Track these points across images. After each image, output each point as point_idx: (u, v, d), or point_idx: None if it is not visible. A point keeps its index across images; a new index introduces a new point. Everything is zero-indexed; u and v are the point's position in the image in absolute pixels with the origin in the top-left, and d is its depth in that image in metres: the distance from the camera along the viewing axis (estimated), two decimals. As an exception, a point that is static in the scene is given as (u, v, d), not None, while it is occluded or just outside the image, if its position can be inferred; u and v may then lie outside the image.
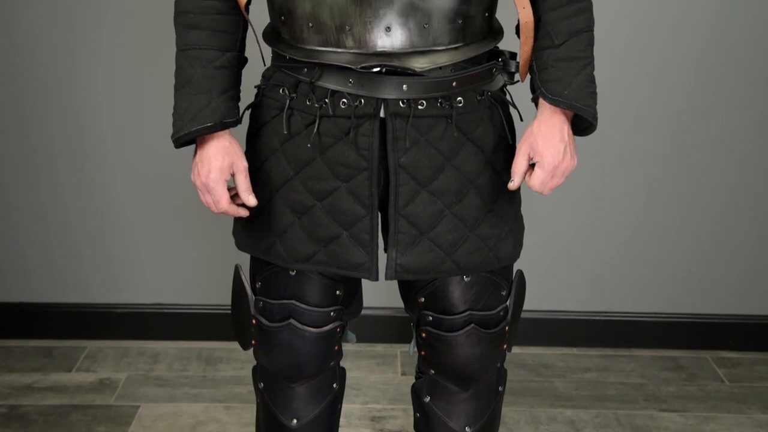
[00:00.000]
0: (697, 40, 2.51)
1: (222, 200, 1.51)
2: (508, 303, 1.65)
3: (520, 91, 1.66)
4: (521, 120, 1.63)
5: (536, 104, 1.53)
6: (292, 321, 1.60)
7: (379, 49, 1.42)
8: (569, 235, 2.71)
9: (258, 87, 1.60)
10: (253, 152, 1.58)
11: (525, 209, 1.69)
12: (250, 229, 1.61)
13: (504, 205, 1.58)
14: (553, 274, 2.74)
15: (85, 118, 2.59)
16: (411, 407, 1.88)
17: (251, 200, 1.53)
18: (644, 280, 2.76)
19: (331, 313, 1.62)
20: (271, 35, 1.55)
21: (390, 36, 1.41)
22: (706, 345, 2.80)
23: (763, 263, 2.74)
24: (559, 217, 2.67)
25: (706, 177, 2.64)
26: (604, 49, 2.30)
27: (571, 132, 1.51)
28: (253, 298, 1.65)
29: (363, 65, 1.42)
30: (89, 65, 2.53)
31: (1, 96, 2.56)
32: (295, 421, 1.68)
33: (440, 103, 1.47)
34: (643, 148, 2.61)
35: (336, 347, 1.67)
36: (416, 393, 1.74)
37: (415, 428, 1.77)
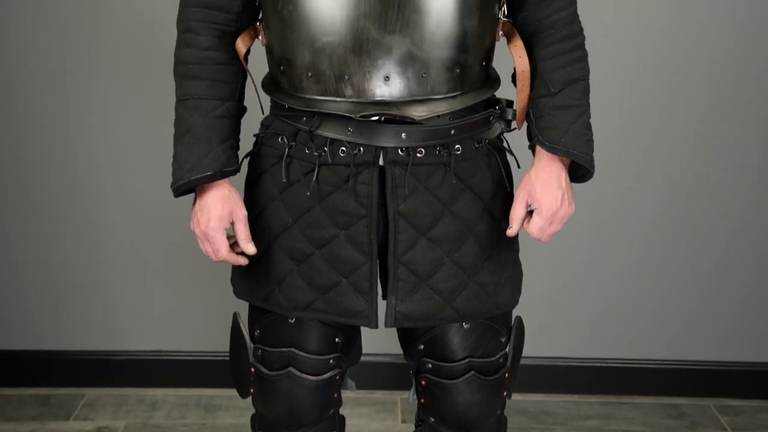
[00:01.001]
0: (701, 93, 2.52)
1: (221, 249, 1.51)
2: (507, 349, 1.64)
3: (517, 139, 1.67)
4: (518, 167, 1.64)
5: (533, 151, 1.54)
6: (291, 369, 1.59)
7: (377, 98, 1.43)
8: (568, 281, 2.71)
9: (257, 135, 1.61)
10: (251, 200, 1.59)
11: (523, 256, 1.69)
12: (248, 277, 1.61)
13: (503, 251, 1.59)
14: (554, 320, 2.74)
15: (84, 167, 2.60)
16: (411, 456, 1.86)
17: (250, 249, 1.53)
18: (645, 327, 2.75)
19: (331, 361, 1.62)
20: (270, 84, 1.56)
21: (389, 85, 1.43)
22: (709, 392, 2.78)
23: (766, 310, 2.73)
24: (558, 264, 2.67)
25: (707, 222, 2.65)
26: (608, 98, 2.33)
27: (568, 179, 1.52)
28: (252, 346, 1.64)
29: (362, 114, 1.43)
30: (87, 113, 2.55)
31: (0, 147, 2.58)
32: (294, 469, 1.66)
33: (439, 150, 1.48)
34: (641, 193, 2.62)
35: (335, 395, 1.66)
36: (416, 441, 1.73)
37: (415, 477, 1.76)
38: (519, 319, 1.68)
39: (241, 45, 1.52)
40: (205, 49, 1.49)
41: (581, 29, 1.53)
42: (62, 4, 2.45)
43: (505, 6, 1.54)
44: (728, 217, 2.64)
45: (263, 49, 1.56)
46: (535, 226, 1.49)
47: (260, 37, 1.54)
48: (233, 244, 1.55)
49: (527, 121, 1.55)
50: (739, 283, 2.71)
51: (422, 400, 1.67)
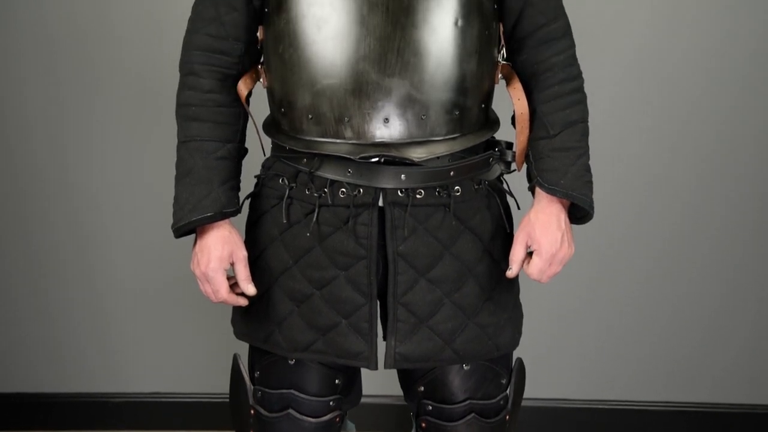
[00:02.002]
0: (703, 138, 2.53)
1: (221, 289, 1.51)
2: (508, 391, 1.64)
3: (517, 180, 1.68)
4: (518, 208, 1.64)
5: (533, 193, 1.54)
6: (291, 411, 1.58)
7: (377, 140, 1.44)
8: (568, 322, 2.69)
9: (258, 177, 1.62)
10: (252, 241, 1.59)
11: (523, 297, 1.69)
12: (248, 318, 1.61)
13: (503, 292, 1.58)
14: (553, 362, 2.72)
15: (85, 207, 2.60)
16: (411, 499, 1.84)
17: (250, 289, 1.53)
18: (644, 368, 2.73)
19: (331, 403, 1.61)
20: (271, 126, 1.58)
21: (388, 127, 1.44)
22: (711, 434, 2.77)
23: (767, 351, 2.72)
24: (557, 305, 2.67)
25: (705, 262, 2.64)
26: (608, 140, 2.33)
27: (567, 220, 1.52)
28: (252, 387, 1.64)
29: (362, 155, 1.44)
30: (87, 156, 2.56)
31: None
32: None
33: (438, 192, 1.49)
34: (641, 235, 2.62)
35: (335, 437, 1.65)
36: (416, 484, 1.71)
37: None
38: (520, 361, 1.68)
39: (242, 87, 1.54)
40: (207, 91, 1.51)
41: (580, 72, 1.55)
42: (60, 47, 2.47)
43: (504, 49, 1.56)
44: (727, 257, 2.64)
45: (264, 91, 1.57)
46: (535, 267, 1.49)
47: (261, 80, 1.56)
48: (233, 285, 1.55)
49: (527, 163, 1.56)
50: (739, 323, 2.70)
51: (422, 443, 1.66)
